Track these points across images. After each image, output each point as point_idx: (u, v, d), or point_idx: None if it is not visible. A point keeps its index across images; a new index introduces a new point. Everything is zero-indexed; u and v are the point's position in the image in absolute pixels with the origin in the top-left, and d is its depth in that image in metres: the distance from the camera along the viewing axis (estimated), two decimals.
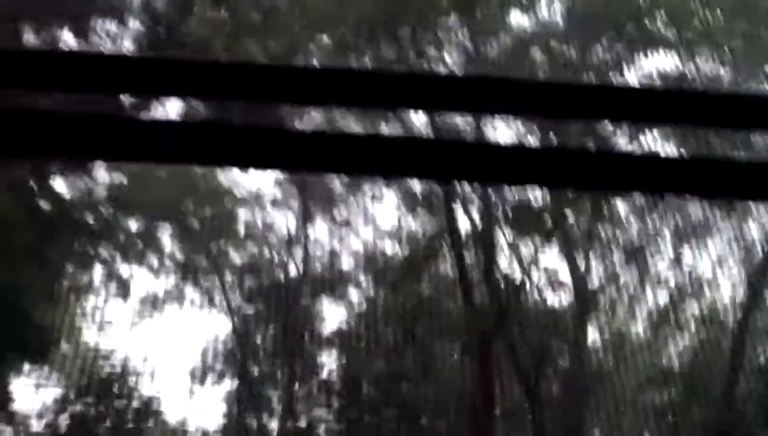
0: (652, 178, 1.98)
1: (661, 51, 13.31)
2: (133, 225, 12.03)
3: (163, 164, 10.11)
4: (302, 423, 12.30)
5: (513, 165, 1.95)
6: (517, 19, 13.69)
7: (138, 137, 1.86)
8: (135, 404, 11.61)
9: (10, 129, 1.78)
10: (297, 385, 12.34)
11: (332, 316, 12.68)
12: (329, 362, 12.61)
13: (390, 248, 12.89)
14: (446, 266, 12.99)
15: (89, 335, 11.48)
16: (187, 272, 12.25)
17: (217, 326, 12.51)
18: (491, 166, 1.96)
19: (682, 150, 12.07)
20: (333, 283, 12.58)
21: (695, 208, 13.41)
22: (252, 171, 11.44)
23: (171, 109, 9.86)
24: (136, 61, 1.99)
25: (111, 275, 11.80)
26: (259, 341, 12.44)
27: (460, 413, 12.35)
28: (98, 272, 11.73)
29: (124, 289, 11.92)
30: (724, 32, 12.83)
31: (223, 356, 12.25)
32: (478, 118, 11.74)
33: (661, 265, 13.10)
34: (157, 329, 11.98)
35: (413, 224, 13.04)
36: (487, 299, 12.67)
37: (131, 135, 1.86)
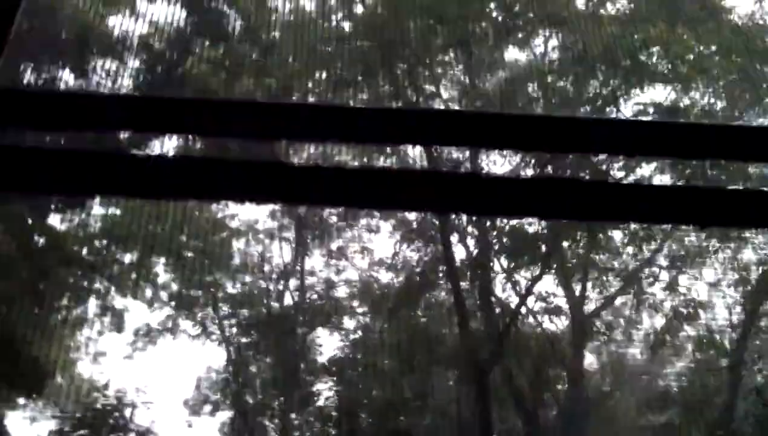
0: (646, 208, 2.00)
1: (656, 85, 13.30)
2: (127, 257, 12.01)
3: (161, 199, 10.07)
4: None
5: (508, 196, 1.97)
6: (514, 54, 13.69)
7: (136, 174, 1.87)
8: (131, 435, 11.52)
9: (10, 166, 1.80)
10: (293, 414, 12.26)
11: (328, 345, 12.65)
12: (325, 391, 12.54)
13: (385, 276, 12.89)
14: (442, 295, 12.97)
15: (84, 368, 11.42)
16: (181, 303, 12.21)
17: (212, 357, 12.47)
18: (487, 198, 1.96)
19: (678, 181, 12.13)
20: (328, 312, 12.54)
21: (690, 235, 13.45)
22: (249, 205, 11.48)
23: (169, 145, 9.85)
24: (135, 100, 2.02)
25: (105, 307, 11.75)
26: (254, 370, 12.37)
27: None
28: (92, 304, 11.69)
29: (118, 321, 11.87)
30: (720, 67, 12.82)
31: (218, 386, 12.19)
32: (474, 152, 11.82)
33: (656, 289, 13.10)
34: (151, 361, 11.96)
35: (409, 253, 13.03)
36: (483, 327, 12.66)
37: (130, 171, 1.87)
